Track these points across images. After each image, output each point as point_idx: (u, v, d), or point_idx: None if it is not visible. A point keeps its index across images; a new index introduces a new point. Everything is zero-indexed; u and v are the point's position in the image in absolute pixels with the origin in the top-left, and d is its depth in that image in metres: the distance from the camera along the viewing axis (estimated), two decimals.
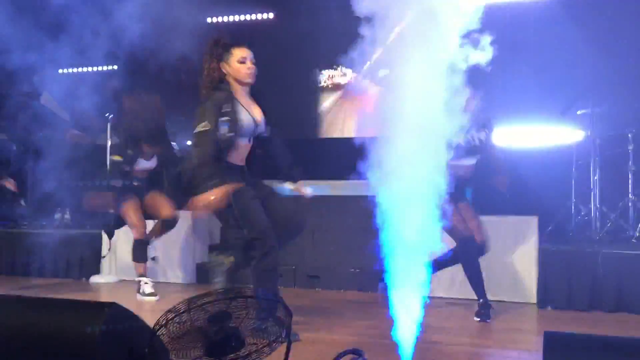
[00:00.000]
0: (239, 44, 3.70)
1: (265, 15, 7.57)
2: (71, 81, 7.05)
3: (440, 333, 3.91)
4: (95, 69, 7.66)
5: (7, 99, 6.01)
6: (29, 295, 2.56)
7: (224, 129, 3.55)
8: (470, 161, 4.43)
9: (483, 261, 4.89)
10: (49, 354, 2.06)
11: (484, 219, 4.97)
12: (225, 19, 7.65)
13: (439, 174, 3.84)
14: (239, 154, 3.70)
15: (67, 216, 6.36)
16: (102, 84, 5.83)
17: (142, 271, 4.94)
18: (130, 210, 5.07)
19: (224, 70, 3.66)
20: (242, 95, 3.70)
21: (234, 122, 3.57)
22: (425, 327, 4.03)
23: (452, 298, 4.89)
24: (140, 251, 4.99)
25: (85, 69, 7.66)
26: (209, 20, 7.62)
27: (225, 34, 3.92)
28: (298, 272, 5.54)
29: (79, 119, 5.66)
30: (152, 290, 4.87)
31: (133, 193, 5.13)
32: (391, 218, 3.84)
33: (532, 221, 4.91)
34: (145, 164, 5.16)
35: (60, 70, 7.39)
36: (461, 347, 3.45)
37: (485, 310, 4.19)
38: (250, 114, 3.68)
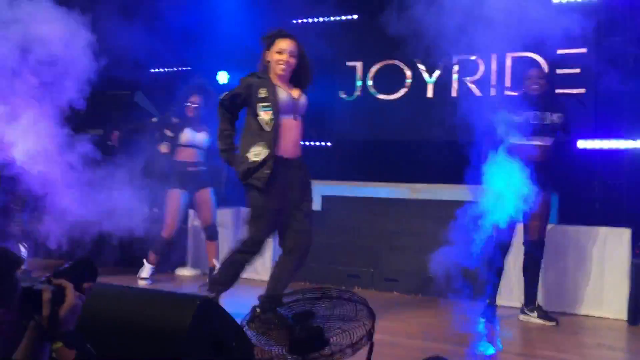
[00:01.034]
0: (283, 35, 3.77)
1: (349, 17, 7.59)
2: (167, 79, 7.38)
3: (526, 345, 3.81)
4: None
5: (104, 95, 6.30)
6: (124, 285, 2.68)
7: (265, 113, 3.64)
8: (539, 141, 4.25)
9: (570, 273, 4.71)
10: (140, 344, 2.14)
11: (573, 229, 4.80)
12: (310, 20, 7.73)
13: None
14: (291, 136, 3.70)
15: (155, 210, 6.61)
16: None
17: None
18: (169, 203, 5.39)
19: (267, 58, 3.77)
20: (279, 82, 3.73)
21: (274, 103, 3.63)
22: (509, 339, 3.95)
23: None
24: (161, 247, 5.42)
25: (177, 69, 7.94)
26: (294, 21, 7.72)
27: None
28: (376, 275, 5.53)
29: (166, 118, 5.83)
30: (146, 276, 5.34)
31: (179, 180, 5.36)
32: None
33: (625, 233, 4.67)
34: (193, 137, 5.37)
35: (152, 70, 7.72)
36: None
37: (490, 311, 4.28)
38: (288, 93, 3.72)
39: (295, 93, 3.77)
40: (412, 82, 6.99)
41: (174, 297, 2.29)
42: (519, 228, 4.45)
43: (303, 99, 3.80)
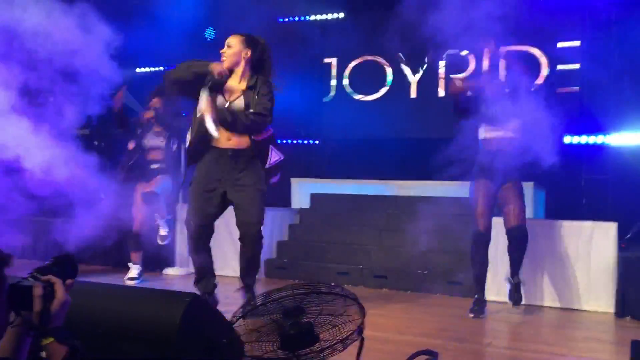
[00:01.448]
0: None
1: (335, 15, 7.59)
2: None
3: (515, 339, 3.83)
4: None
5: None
6: (112, 284, 2.66)
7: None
8: (499, 132, 4.32)
9: (558, 267, 4.75)
10: (130, 340, 2.13)
11: (559, 223, 4.84)
12: (296, 18, 7.72)
13: None
14: (222, 135, 3.90)
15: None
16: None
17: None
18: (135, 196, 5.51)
19: None
20: (231, 79, 3.98)
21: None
22: (498, 333, 3.98)
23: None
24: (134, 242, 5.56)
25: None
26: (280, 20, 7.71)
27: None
28: (365, 272, 5.53)
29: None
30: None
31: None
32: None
33: (611, 227, 4.71)
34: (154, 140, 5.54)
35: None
36: (537, 354, 3.35)
37: (478, 306, 4.25)
38: (224, 97, 3.93)
39: (234, 96, 3.97)
40: (393, 80, 7.07)
41: (163, 295, 2.28)
42: (500, 222, 4.47)
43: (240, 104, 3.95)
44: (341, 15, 7.52)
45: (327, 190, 6.68)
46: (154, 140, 5.59)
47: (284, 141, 7.55)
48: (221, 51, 3.98)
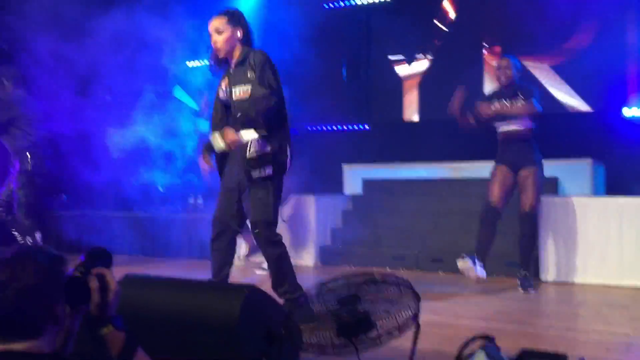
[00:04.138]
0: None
1: None
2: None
3: (575, 320, 3.77)
4: None
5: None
6: (176, 277, 2.75)
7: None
8: (507, 127, 4.57)
9: (611, 245, 4.63)
10: (193, 332, 2.22)
11: (617, 200, 4.71)
12: (342, 3, 7.70)
13: None
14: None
15: (200, 201, 6.75)
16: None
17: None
18: None
19: None
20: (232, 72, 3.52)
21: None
22: (558, 315, 3.92)
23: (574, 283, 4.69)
24: None
25: None
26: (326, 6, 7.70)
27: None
28: (421, 256, 5.52)
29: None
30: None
31: None
32: None
33: None
34: None
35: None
36: (599, 335, 3.29)
37: (525, 281, 4.42)
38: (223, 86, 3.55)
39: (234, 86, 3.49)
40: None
41: (225, 286, 2.36)
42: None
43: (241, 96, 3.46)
44: None
45: (379, 175, 6.68)
46: None
47: (334, 127, 7.58)
48: (213, 41, 3.47)
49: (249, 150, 3.33)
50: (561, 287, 4.49)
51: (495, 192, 4.55)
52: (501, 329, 3.26)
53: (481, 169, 6.09)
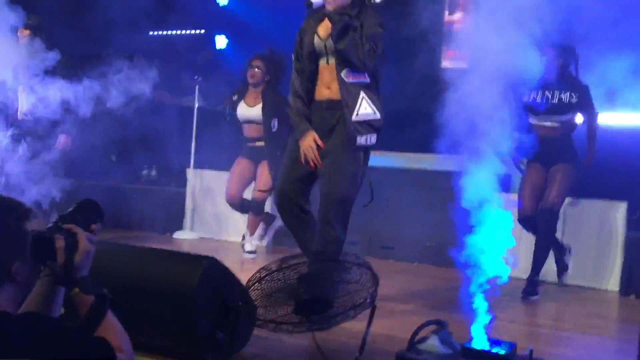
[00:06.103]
0: None
1: None
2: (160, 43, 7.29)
3: (520, 314, 3.87)
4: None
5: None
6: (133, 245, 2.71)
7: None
8: (547, 121, 4.21)
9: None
10: (150, 300, 2.19)
11: (570, 200, 4.84)
12: None
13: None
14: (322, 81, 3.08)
15: (153, 173, 6.63)
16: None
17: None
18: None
19: None
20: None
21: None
22: (503, 307, 4.01)
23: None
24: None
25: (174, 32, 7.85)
26: None
27: None
28: (372, 243, 5.58)
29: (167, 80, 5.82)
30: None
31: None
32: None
33: (621, 206, 4.72)
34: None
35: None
36: (539, 328, 3.40)
37: (528, 286, 4.05)
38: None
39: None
40: None
41: (183, 256, 2.33)
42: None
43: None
44: None
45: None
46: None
47: None
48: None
49: (358, 110, 2.88)
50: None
51: (525, 198, 4.20)
52: (449, 317, 3.31)
53: (435, 160, 6.16)
